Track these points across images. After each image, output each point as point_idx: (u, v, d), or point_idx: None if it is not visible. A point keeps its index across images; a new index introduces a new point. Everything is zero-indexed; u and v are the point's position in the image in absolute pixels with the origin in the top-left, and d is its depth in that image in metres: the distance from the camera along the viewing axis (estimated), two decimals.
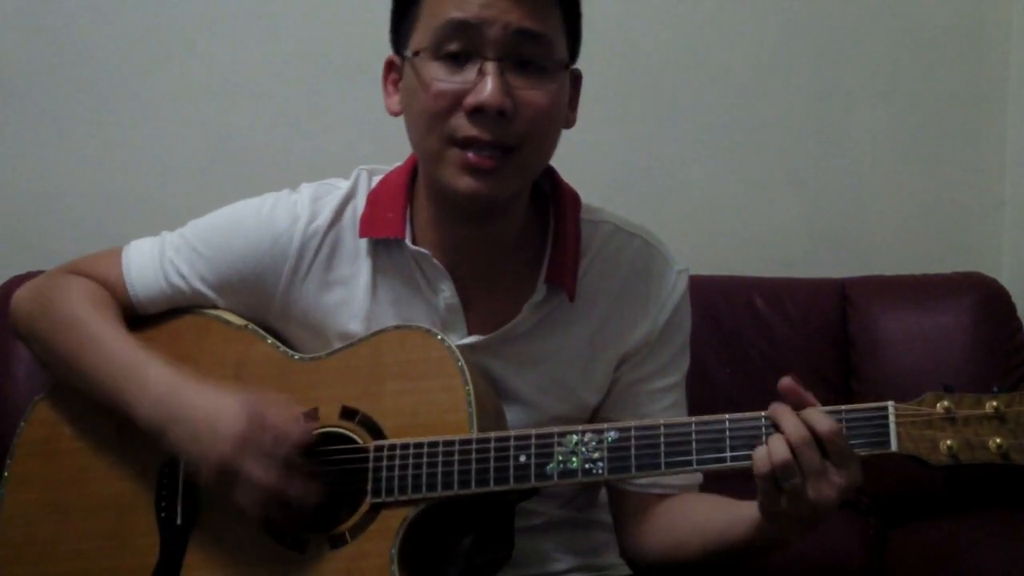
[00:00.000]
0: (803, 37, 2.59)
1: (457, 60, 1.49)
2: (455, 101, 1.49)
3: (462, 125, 1.49)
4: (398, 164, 1.68)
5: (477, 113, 1.48)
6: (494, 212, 1.58)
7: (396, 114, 1.59)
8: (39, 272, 1.86)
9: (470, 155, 1.49)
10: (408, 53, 1.53)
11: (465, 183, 1.51)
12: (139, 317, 1.68)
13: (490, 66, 1.48)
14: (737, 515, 1.52)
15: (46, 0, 2.50)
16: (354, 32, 2.49)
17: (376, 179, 1.67)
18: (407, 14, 1.55)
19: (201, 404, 1.49)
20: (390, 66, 1.61)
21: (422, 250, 1.60)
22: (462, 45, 1.49)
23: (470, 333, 1.61)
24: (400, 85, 1.58)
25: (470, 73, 1.49)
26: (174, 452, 1.52)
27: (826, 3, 2.58)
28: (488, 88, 1.47)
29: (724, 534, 1.54)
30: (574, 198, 1.67)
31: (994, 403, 1.35)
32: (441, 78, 1.49)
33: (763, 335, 2.33)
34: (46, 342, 1.66)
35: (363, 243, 1.63)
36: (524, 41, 1.49)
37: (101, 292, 1.66)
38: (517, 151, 1.51)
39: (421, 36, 1.52)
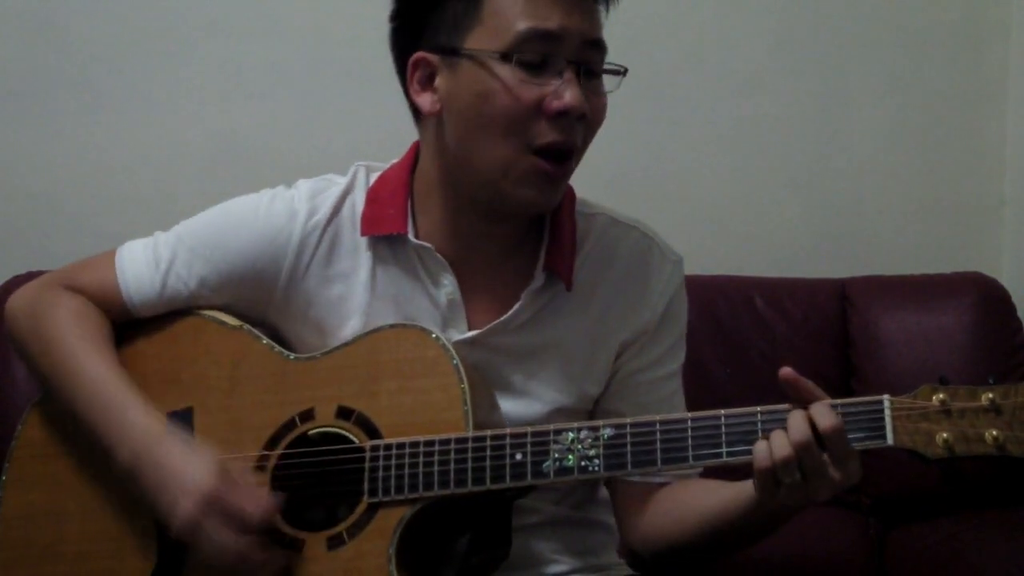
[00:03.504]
0: (803, 37, 2.59)
1: (534, 67, 1.50)
2: (538, 105, 1.49)
3: (543, 130, 1.50)
4: (395, 160, 1.67)
5: (561, 117, 1.49)
6: (519, 213, 1.60)
7: (432, 113, 1.56)
8: (39, 272, 1.85)
9: (548, 165, 1.51)
10: (471, 52, 1.51)
11: (533, 194, 1.53)
12: (135, 320, 1.67)
13: (571, 72, 1.50)
14: (735, 493, 1.52)
15: (46, 0, 2.51)
16: (354, 32, 2.49)
17: (374, 175, 1.67)
18: (449, 10, 1.53)
19: (173, 459, 1.49)
20: (417, 63, 1.56)
21: (425, 244, 1.60)
22: (544, 52, 1.50)
23: (471, 326, 1.61)
24: (440, 84, 1.55)
25: (550, 77, 1.50)
26: (145, 501, 1.52)
27: (826, 3, 2.59)
28: (575, 93, 1.49)
29: (723, 512, 1.54)
30: (570, 193, 1.67)
31: (990, 395, 1.34)
32: (526, 80, 1.49)
33: (763, 335, 2.33)
34: (34, 361, 1.66)
35: (363, 238, 1.63)
36: (593, 51, 1.53)
37: (91, 312, 1.64)
38: (577, 154, 1.54)
39: (490, 38, 1.50)
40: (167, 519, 1.48)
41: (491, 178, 1.53)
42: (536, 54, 1.49)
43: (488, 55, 1.50)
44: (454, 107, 1.54)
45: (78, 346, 1.60)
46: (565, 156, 1.52)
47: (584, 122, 1.52)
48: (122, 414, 1.54)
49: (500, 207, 1.57)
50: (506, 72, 1.49)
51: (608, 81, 1.56)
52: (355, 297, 1.62)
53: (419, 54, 1.56)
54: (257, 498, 1.47)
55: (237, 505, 1.45)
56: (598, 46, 1.53)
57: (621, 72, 1.57)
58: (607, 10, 1.57)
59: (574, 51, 1.50)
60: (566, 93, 1.49)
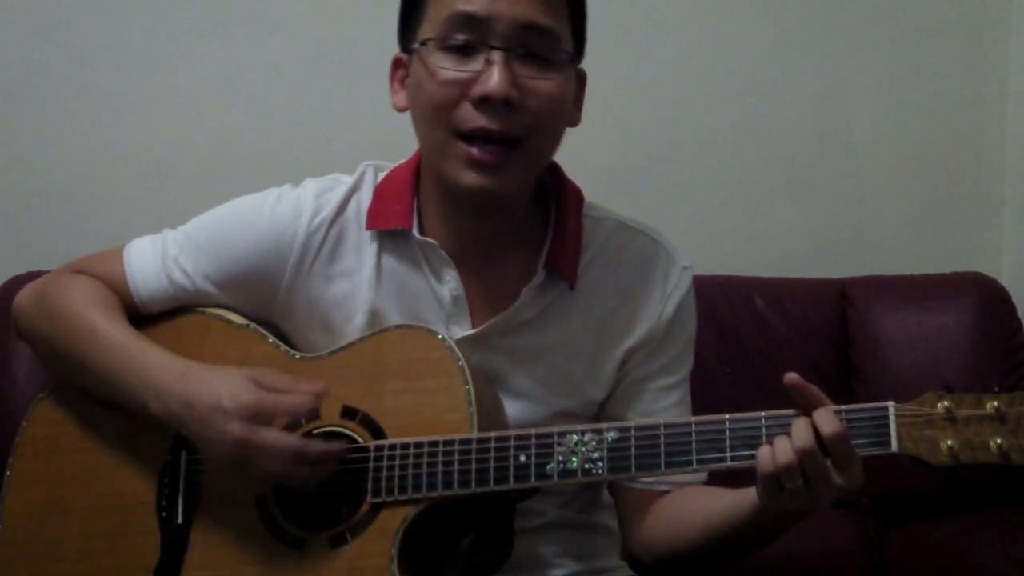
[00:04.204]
0: (803, 37, 2.59)
1: (464, 51, 1.50)
2: (461, 91, 1.50)
3: (468, 116, 1.50)
4: (402, 160, 1.68)
5: (484, 103, 1.49)
6: (498, 205, 1.59)
7: (403, 110, 1.60)
8: (39, 272, 1.86)
9: (475, 150, 1.50)
10: (414, 46, 1.54)
11: (470, 178, 1.52)
12: (141, 317, 1.67)
13: (497, 56, 1.49)
14: (739, 498, 1.52)
15: (46, 0, 2.51)
16: (354, 32, 2.51)
17: (381, 174, 1.68)
18: (414, 10, 1.56)
19: (205, 388, 1.49)
20: (397, 64, 1.61)
21: (429, 240, 1.60)
22: (469, 37, 1.50)
23: (474, 324, 1.61)
24: (407, 80, 1.59)
25: (476, 63, 1.50)
26: (191, 438, 1.53)
27: (826, 3, 2.58)
28: (495, 78, 1.48)
29: (727, 517, 1.54)
30: (577, 194, 1.68)
31: (994, 403, 1.34)
32: (447, 67, 1.50)
33: (763, 335, 2.33)
34: (48, 341, 1.67)
35: (368, 235, 1.63)
36: (531, 34, 1.50)
37: (101, 288, 1.66)
38: (523, 144, 1.52)
39: (428, 28, 1.53)
40: (218, 452, 1.49)
41: (435, 163, 1.56)
42: (462, 39, 1.50)
43: (425, 45, 1.52)
44: (411, 101, 1.58)
45: (91, 312, 1.61)
46: (497, 142, 1.51)
47: (517, 109, 1.50)
48: (144, 360, 1.55)
49: (458, 196, 1.57)
50: (435, 59, 1.51)
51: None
52: (360, 294, 1.62)
53: (397, 55, 1.61)
54: (295, 390, 1.48)
55: (279, 405, 1.46)
56: (535, 30, 1.50)
57: (568, 59, 1.55)
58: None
59: (504, 36, 1.49)
60: (487, 78, 1.48)
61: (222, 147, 2.54)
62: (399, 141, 1.67)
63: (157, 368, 1.54)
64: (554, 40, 1.52)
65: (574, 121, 1.61)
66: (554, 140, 1.59)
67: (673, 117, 2.60)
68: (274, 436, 1.46)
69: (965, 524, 2.14)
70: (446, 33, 1.50)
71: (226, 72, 2.55)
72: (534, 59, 1.51)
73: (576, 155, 1.66)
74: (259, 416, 1.46)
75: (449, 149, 1.52)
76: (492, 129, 1.49)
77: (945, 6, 2.58)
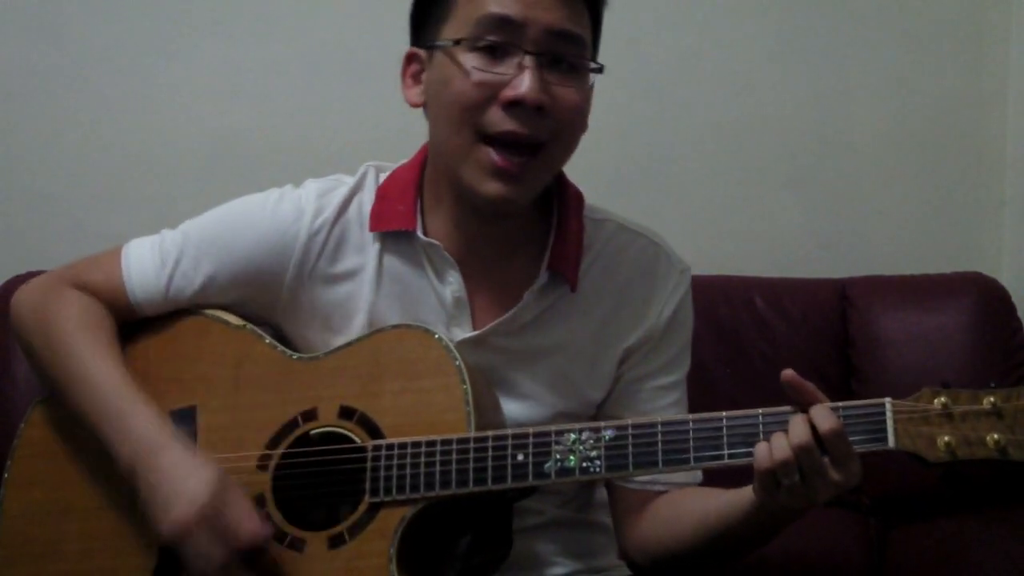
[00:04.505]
0: (803, 37, 2.59)
1: (494, 53, 1.50)
2: (492, 93, 1.49)
3: (497, 119, 1.50)
4: (405, 160, 1.68)
5: (514, 107, 1.49)
6: (510, 212, 1.59)
7: (417, 106, 1.60)
8: (39, 272, 1.85)
9: (499, 158, 1.50)
10: (440, 43, 1.53)
11: (491, 188, 1.52)
12: (139, 320, 1.67)
13: (529, 60, 1.49)
14: (736, 497, 1.52)
15: (46, 0, 2.51)
16: (354, 32, 2.51)
17: (383, 175, 1.68)
18: (435, 6, 1.56)
19: (173, 470, 1.48)
20: (411, 58, 1.60)
21: (433, 241, 1.60)
22: (501, 39, 1.50)
23: (475, 325, 1.61)
24: (424, 77, 1.58)
25: (508, 67, 1.50)
26: (140, 502, 1.51)
27: (826, 3, 2.58)
28: (528, 82, 1.48)
29: (723, 516, 1.54)
30: (577, 196, 1.68)
31: (991, 399, 1.35)
32: (480, 67, 1.50)
33: (763, 335, 2.33)
34: (39, 360, 1.66)
35: (370, 236, 1.63)
36: (562, 41, 1.51)
37: (97, 312, 1.64)
38: (544, 150, 1.53)
39: (457, 27, 1.52)
40: (158, 521, 1.47)
41: (454, 166, 1.55)
42: (495, 41, 1.50)
43: (453, 43, 1.51)
44: (429, 98, 1.57)
45: (84, 348, 1.60)
46: (522, 148, 1.51)
47: (545, 115, 1.50)
48: (125, 421, 1.54)
49: (472, 202, 1.56)
50: (466, 59, 1.50)
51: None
52: (361, 295, 1.62)
53: (411, 49, 1.60)
54: (251, 520, 1.46)
55: (229, 523, 1.44)
56: (566, 37, 1.51)
57: (597, 70, 1.56)
58: (589, 6, 1.55)
59: (536, 41, 1.49)
60: (520, 82, 1.48)
61: (222, 147, 2.54)
62: (400, 141, 1.67)
63: (138, 433, 1.52)
64: (582, 47, 1.54)
65: (584, 126, 1.61)
66: (573, 147, 1.59)
67: (673, 117, 2.60)
68: (209, 547, 1.43)
69: (965, 523, 2.14)
70: (478, 34, 1.50)
71: (226, 72, 2.54)
72: (561, 65, 1.52)
73: (576, 155, 1.65)
74: (205, 520, 1.43)
75: (472, 154, 1.52)
76: (520, 133, 1.50)
77: (945, 6, 2.58)
